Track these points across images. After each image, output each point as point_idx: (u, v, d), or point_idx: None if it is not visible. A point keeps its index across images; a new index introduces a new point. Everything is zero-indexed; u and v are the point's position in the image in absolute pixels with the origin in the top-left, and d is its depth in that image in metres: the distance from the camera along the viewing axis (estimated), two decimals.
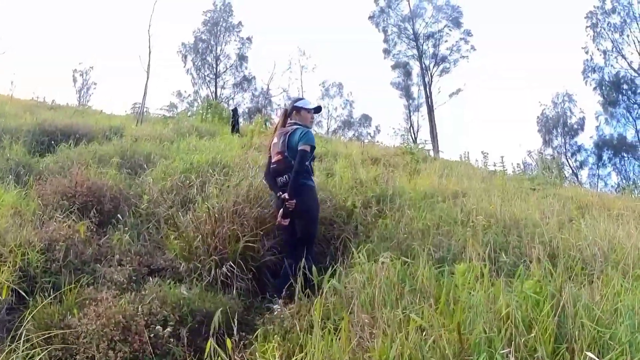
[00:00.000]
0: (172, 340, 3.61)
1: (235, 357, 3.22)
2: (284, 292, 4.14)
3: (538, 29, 70.10)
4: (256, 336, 3.55)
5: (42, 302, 3.76)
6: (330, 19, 76.00)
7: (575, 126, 42.94)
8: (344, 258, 4.46)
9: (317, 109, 5.31)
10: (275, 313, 3.86)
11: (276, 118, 5.25)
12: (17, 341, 3.16)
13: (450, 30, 42.82)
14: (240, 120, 17.18)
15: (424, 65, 43.53)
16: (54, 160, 8.00)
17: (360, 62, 76.33)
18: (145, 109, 16.66)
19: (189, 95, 48.25)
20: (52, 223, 5.07)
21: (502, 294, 2.94)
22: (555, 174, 16.65)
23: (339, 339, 2.84)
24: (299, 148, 4.74)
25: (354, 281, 3.69)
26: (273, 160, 4.99)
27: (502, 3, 67.33)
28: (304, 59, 50.56)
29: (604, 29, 38.60)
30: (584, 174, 40.65)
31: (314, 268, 3.88)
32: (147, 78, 15.76)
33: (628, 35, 37.67)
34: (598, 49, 39.07)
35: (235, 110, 15.81)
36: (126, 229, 5.48)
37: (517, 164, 16.42)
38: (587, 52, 39.56)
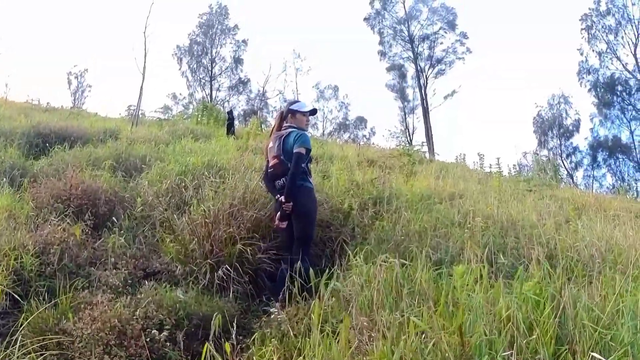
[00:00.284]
0: (168, 344, 3.58)
1: None
2: (281, 295, 4.11)
3: (534, 30, 70.40)
4: (253, 340, 3.51)
5: (36, 306, 3.72)
6: (326, 20, 76.22)
7: (571, 128, 43.08)
8: (341, 260, 4.42)
9: (312, 112, 5.28)
10: (272, 316, 3.83)
11: (273, 121, 5.22)
12: (12, 346, 3.12)
13: (445, 32, 42.92)
14: (236, 122, 17.13)
15: (419, 68, 43.60)
16: (49, 163, 7.96)
17: (356, 64, 76.49)
18: (140, 112, 16.60)
19: (184, 97, 48.26)
20: (47, 226, 5.04)
21: (502, 295, 2.92)
22: (551, 176, 16.70)
23: (338, 342, 2.81)
24: (294, 151, 4.72)
25: (351, 284, 3.67)
26: (270, 164, 4.98)
27: (498, 4, 67.53)
28: (299, 61, 50.60)
29: (599, 31, 38.78)
30: (579, 175, 40.82)
31: (310, 270, 3.86)
32: (143, 80, 15.73)
33: (622, 37, 37.89)
34: (593, 51, 39.27)
35: (230, 113, 15.76)
36: (121, 232, 5.44)
37: (513, 165, 16.45)
38: (582, 54, 39.75)
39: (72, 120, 13.44)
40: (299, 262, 4.15)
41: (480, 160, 13.07)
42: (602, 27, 38.62)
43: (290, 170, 4.65)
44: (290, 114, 5.10)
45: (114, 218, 5.77)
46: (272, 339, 3.38)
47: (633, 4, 37.23)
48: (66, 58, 71.13)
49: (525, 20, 70.14)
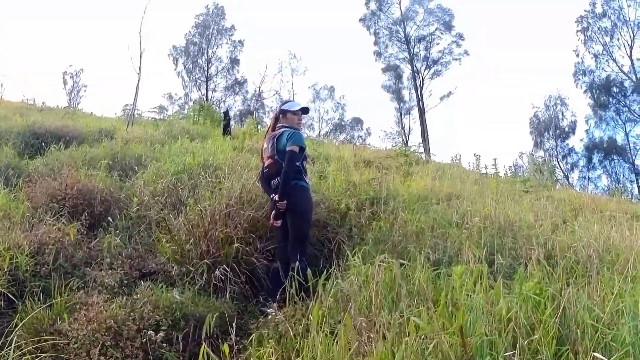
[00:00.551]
0: (164, 345, 3.56)
1: None
2: (278, 296, 4.09)
3: (531, 31, 70.53)
4: (251, 341, 3.49)
5: (31, 307, 3.69)
6: (322, 21, 76.23)
7: (567, 129, 43.18)
8: (338, 261, 4.41)
9: (304, 110, 5.25)
10: (269, 317, 3.80)
11: (269, 122, 5.22)
12: (7, 347, 3.09)
13: (441, 33, 42.95)
14: (232, 122, 17.10)
15: (415, 68, 43.61)
16: (44, 163, 7.92)
17: (352, 65, 76.52)
18: (136, 111, 16.55)
19: (180, 97, 48.19)
20: (42, 226, 5.00)
21: (502, 296, 2.90)
22: (547, 177, 16.72)
23: (337, 343, 2.79)
24: (287, 149, 4.72)
25: (350, 284, 3.65)
26: (265, 165, 4.98)
27: (494, 5, 67.66)
28: (295, 62, 50.60)
29: (595, 33, 38.89)
30: (574, 176, 40.92)
31: (308, 271, 3.84)
32: (139, 80, 15.67)
33: (618, 39, 38.00)
34: (589, 52, 39.39)
35: (226, 113, 15.73)
36: (117, 232, 5.41)
37: (509, 166, 16.47)
38: (578, 55, 39.87)
39: (67, 120, 13.40)
40: (297, 262, 4.13)
41: (477, 161, 13.07)
42: (598, 28, 38.76)
43: (283, 169, 4.66)
44: (282, 114, 5.10)
45: (109, 218, 5.73)
46: (270, 340, 3.36)
47: (629, 6, 37.38)
48: (62, 58, 70.91)
49: (522, 21, 70.36)
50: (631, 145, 38.17)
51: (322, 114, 51.85)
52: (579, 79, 39.85)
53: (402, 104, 46.63)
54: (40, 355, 3.20)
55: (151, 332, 3.56)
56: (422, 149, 25.63)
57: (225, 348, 2.90)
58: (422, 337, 2.66)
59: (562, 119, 43.66)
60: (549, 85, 78.00)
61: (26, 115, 12.96)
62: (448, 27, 42.76)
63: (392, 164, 10.26)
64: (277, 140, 4.89)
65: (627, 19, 37.63)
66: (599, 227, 5.75)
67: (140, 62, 15.51)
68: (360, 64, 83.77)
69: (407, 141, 41.76)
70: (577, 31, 39.78)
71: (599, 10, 38.94)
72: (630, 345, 2.58)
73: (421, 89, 43.26)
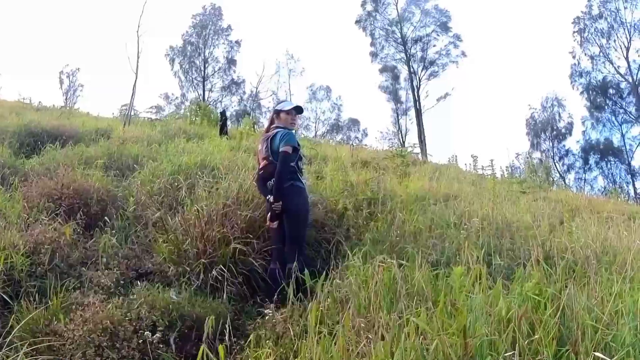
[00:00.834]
0: (161, 346, 3.53)
1: None
2: (275, 296, 4.07)
3: (528, 32, 70.63)
4: (248, 342, 3.47)
5: (27, 307, 3.66)
6: (319, 21, 76.25)
7: (564, 130, 43.26)
8: (336, 261, 4.40)
9: (298, 110, 5.20)
10: (267, 318, 3.79)
11: (266, 122, 5.22)
12: (4, 348, 3.07)
13: (438, 34, 42.96)
14: (228, 123, 17.07)
15: (412, 69, 43.62)
16: (40, 162, 7.90)
17: (349, 65, 76.36)
18: (133, 111, 16.51)
19: (177, 97, 48.13)
20: (38, 225, 4.97)
21: (502, 296, 2.89)
22: (544, 178, 16.75)
23: (335, 343, 2.77)
24: (280, 150, 4.71)
25: (348, 284, 3.63)
26: (260, 167, 4.98)
27: (491, 6, 67.76)
28: (292, 62, 50.61)
29: (591, 34, 38.99)
30: (570, 177, 41.01)
31: (306, 271, 3.82)
32: (135, 79, 15.62)
33: (615, 41, 38.09)
34: (585, 54, 39.49)
35: (223, 113, 15.70)
36: (113, 231, 5.39)
37: (506, 166, 16.48)
38: (574, 57, 39.96)
39: (63, 119, 13.34)
40: (294, 262, 4.12)
41: (474, 162, 13.08)
42: (595, 30, 38.86)
43: (277, 169, 4.64)
44: (275, 115, 5.11)
45: (106, 218, 5.70)
46: (267, 341, 3.34)
47: (625, 8, 37.47)
48: (58, 57, 70.55)
49: (519, 22, 70.47)
50: (627, 146, 38.31)
51: (319, 115, 51.87)
52: (576, 81, 39.98)
53: (398, 105, 46.69)
54: (36, 356, 3.17)
55: (148, 332, 3.53)
56: (418, 150, 25.61)
57: (221, 350, 2.87)
58: (422, 337, 2.64)
59: (559, 120, 43.75)
60: (546, 86, 77.93)
61: (22, 115, 12.89)
62: (445, 28, 42.78)
63: (389, 164, 10.23)
64: (271, 141, 4.88)
65: (624, 20, 37.74)
66: (597, 228, 5.76)
67: (138, 61, 15.47)
68: (357, 64, 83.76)
69: (403, 142, 41.83)
70: (574, 32, 39.91)
71: (595, 11, 39.06)
72: (631, 346, 2.57)
73: (418, 89, 43.29)
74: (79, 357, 3.26)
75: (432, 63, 43.06)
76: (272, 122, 5.11)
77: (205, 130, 14.24)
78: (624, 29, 37.71)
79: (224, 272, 4.55)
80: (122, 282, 4.45)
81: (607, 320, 2.79)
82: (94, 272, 4.49)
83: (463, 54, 42.45)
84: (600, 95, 38.84)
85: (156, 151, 9.11)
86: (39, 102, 19.29)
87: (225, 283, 4.53)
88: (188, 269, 4.65)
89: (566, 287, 3.19)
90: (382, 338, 2.68)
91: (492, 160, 11.24)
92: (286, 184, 4.66)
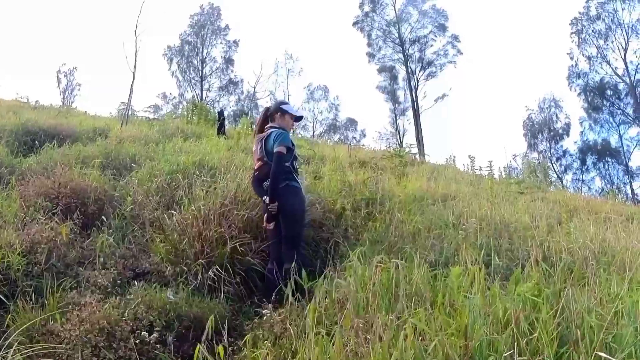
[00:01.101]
0: (158, 346, 3.52)
1: None
2: (273, 297, 4.05)
3: (526, 33, 70.73)
4: (245, 342, 3.45)
5: (23, 307, 3.64)
6: (317, 22, 76.25)
7: (561, 131, 43.32)
8: (334, 261, 4.38)
9: (299, 118, 5.31)
10: (264, 318, 3.77)
11: (259, 120, 5.17)
12: (0, 349, 3.05)
13: (435, 35, 42.99)
14: (226, 122, 17.04)
15: (410, 70, 43.64)
16: (37, 161, 7.87)
17: (347, 66, 76.51)
18: (130, 110, 16.48)
19: (174, 97, 48.09)
20: (34, 225, 4.94)
21: (501, 297, 2.89)
22: (541, 178, 16.76)
23: (333, 344, 2.76)
24: (275, 150, 4.70)
25: (346, 285, 3.61)
26: (255, 167, 4.98)
27: (489, 7, 67.80)
28: (290, 62, 50.61)
29: (589, 35, 39.05)
30: (568, 178, 41.09)
31: (304, 271, 3.81)
32: (133, 79, 15.57)
33: (612, 42, 38.15)
34: (583, 55, 39.56)
35: (221, 113, 15.68)
36: (110, 231, 5.37)
37: (504, 167, 16.48)
38: (572, 58, 40.02)
39: (61, 118, 13.32)
40: (292, 263, 4.10)
41: (472, 162, 13.07)
42: (592, 31, 38.93)
43: (272, 169, 4.64)
44: (280, 113, 5.08)
45: (103, 217, 5.69)
46: (265, 341, 3.32)
47: (623, 9, 37.53)
48: (55, 56, 70.59)
49: (517, 23, 70.56)
50: (625, 147, 38.40)
51: (317, 115, 51.86)
52: (573, 82, 40.05)
53: (396, 105, 46.72)
54: (32, 357, 3.14)
55: (145, 332, 3.52)
56: (416, 150, 25.64)
57: (221, 350, 2.86)
58: (421, 338, 2.63)
59: (556, 121, 43.82)
60: (543, 87, 78.12)
61: (19, 113, 12.86)
62: (442, 28, 42.85)
63: (387, 164, 10.22)
64: (265, 142, 4.88)
65: (622, 21, 37.80)
66: (595, 228, 5.75)
67: (135, 61, 15.43)
68: (355, 64, 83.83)
69: (401, 142, 41.79)
70: (571, 33, 39.97)
71: (593, 12, 39.13)
72: (633, 347, 2.57)
73: (416, 90, 43.33)
74: (76, 357, 3.23)
75: (429, 64, 43.13)
76: (266, 120, 5.09)
77: (202, 129, 14.22)
78: (622, 30, 37.80)
79: (222, 272, 4.53)
80: (119, 281, 4.42)
81: (607, 321, 2.78)
82: (91, 271, 4.47)
83: (459, 52, 42.56)
84: (598, 97, 38.91)
85: (153, 151, 9.09)
86: (37, 101, 19.28)
87: (223, 283, 4.51)
88: (185, 268, 4.63)
89: (565, 287, 3.18)
90: (380, 339, 2.66)
91: (490, 161, 11.24)
92: (281, 184, 4.66)
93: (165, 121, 15.91)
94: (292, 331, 3.30)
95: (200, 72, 47.83)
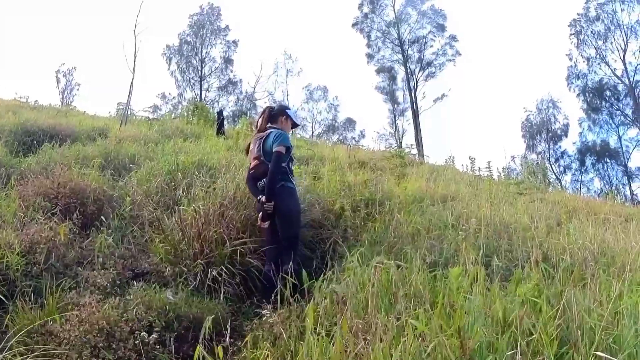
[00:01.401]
0: (158, 346, 3.51)
1: None
2: (272, 297, 4.05)
3: (526, 33, 70.78)
4: (245, 342, 3.44)
5: (22, 307, 3.64)
6: (316, 22, 76.26)
7: (559, 132, 43.36)
8: (333, 262, 4.38)
9: (297, 125, 5.44)
10: (264, 318, 3.77)
11: (260, 119, 5.19)
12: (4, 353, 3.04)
13: (435, 36, 43.02)
14: (225, 123, 17.04)
15: (409, 70, 43.66)
16: (36, 161, 7.86)
17: (346, 66, 76.57)
18: (129, 110, 16.46)
19: (173, 97, 48.06)
20: (34, 225, 4.94)
21: (501, 298, 2.89)
22: (540, 179, 16.75)
23: (333, 344, 2.76)
24: (274, 150, 4.72)
25: (346, 285, 3.61)
26: (251, 166, 4.98)
27: (488, 8, 67.84)
28: (290, 63, 50.61)
29: (588, 36, 39.08)
30: (567, 179, 41.11)
31: (303, 272, 3.81)
32: (132, 79, 15.56)
33: (612, 43, 38.17)
34: (582, 56, 39.58)
35: (220, 113, 15.68)
36: (110, 231, 5.36)
37: (503, 168, 16.47)
38: (571, 59, 40.04)
39: (60, 118, 13.31)
40: (289, 263, 4.10)
41: (471, 163, 13.05)
42: (592, 32, 38.96)
43: (270, 169, 4.65)
44: (284, 117, 5.12)
45: (102, 217, 5.68)
46: (265, 342, 3.32)
47: (622, 10, 37.57)
48: (54, 56, 70.55)
49: (516, 24, 70.60)
50: (624, 148, 38.42)
51: (315, 115, 51.85)
52: (572, 83, 40.07)
53: (395, 106, 46.69)
54: (31, 357, 3.14)
55: (144, 333, 3.51)
56: (415, 151, 25.65)
57: (220, 351, 2.85)
58: (420, 339, 2.63)
59: (555, 122, 43.84)
60: (543, 88, 78.23)
61: (19, 113, 12.86)
62: (441, 28, 42.88)
63: (386, 165, 10.22)
64: (264, 141, 4.89)
65: (621, 23, 37.83)
66: (594, 229, 5.75)
67: (135, 60, 15.43)
68: (354, 65, 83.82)
69: (400, 143, 41.77)
70: (570, 34, 40.00)
71: (592, 13, 39.15)
72: (633, 347, 2.57)
73: (415, 90, 43.35)
74: (76, 357, 3.23)
75: (429, 64, 43.16)
76: (269, 118, 5.11)
77: (202, 130, 14.22)
78: (621, 31, 37.84)
79: (221, 272, 4.53)
80: (118, 282, 4.41)
81: (607, 322, 2.78)
82: (90, 272, 4.45)
83: (458, 52, 42.61)
84: (597, 98, 38.94)
85: (153, 150, 9.09)
86: (36, 100, 19.29)
87: (222, 283, 4.51)
88: (185, 269, 4.63)
89: (565, 288, 3.18)
90: (380, 339, 2.66)
91: (489, 162, 11.25)
92: (278, 184, 4.67)
93: (164, 121, 15.90)
94: (291, 332, 3.30)
95: (200, 72, 47.80)
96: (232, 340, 3.55)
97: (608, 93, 38.78)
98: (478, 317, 2.77)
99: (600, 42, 38.70)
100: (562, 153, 42.57)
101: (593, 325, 2.74)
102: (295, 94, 66.51)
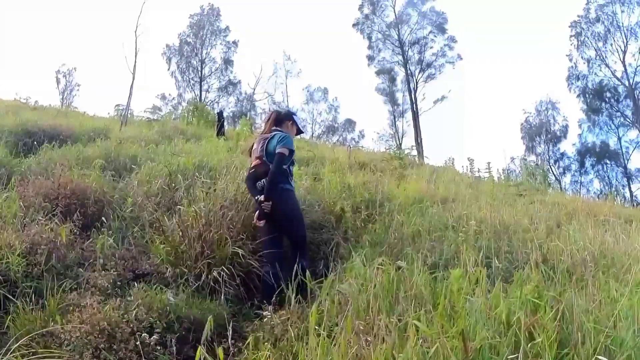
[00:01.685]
0: (159, 348, 3.50)
1: None
2: (273, 298, 4.06)
3: (526, 34, 70.82)
4: (246, 344, 3.44)
5: (23, 308, 3.64)
6: (316, 23, 76.28)
7: (559, 133, 43.39)
8: (335, 263, 4.39)
9: (302, 132, 5.55)
10: (265, 320, 3.77)
11: (262, 123, 5.25)
12: (0, 350, 3.04)
13: (435, 36, 43.03)
14: (225, 123, 17.05)
15: (409, 72, 43.67)
16: (37, 162, 7.85)
17: (346, 67, 76.56)
18: (129, 111, 16.46)
19: (173, 98, 48.07)
20: (34, 226, 4.93)
21: (502, 299, 2.89)
22: (540, 180, 16.75)
23: (335, 346, 2.76)
24: (277, 151, 4.77)
25: (347, 286, 3.62)
26: (252, 165, 5.03)
27: (487, 8, 67.84)
28: (289, 64, 50.64)
29: (588, 38, 39.12)
30: (566, 180, 41.12)
31: (307, 273, 3.83)
32: (133, 79, 15.58)
33: (612, 44, 38.22)
34: (582, 57, 39.62)
35: (220, 114, 15.69)
36: (110, 232, 5.35)
37: (503, 169, 16.47)
38: (571, 60, 40.09)
39: (60, 118, 13.32)
40: (303, 262, 4.17)
41: (471, 164, 13.08)
42: (592, 34, 39.00)
43: (271, 169, 4.69)
44: (291, 122, 5.23)
45: (103, 218, 5.67)
46: (266, 343, 3.32)
47: (622, 12, 37.61)
48: (55, 56, 70.54)
49: (516, 24, 70.61)
50: (624, 149, 38.44)
51: (315, 116, 51.88)
52: (572, 84, 40.11)
53: (395, 107, 46.71)
54: (31, 357, 3.14)
55: (145, 334, 3.50)
56: (415, 152, 25.67)
57: (220, 353, 2.85)
58: (422, 340, 2.63)
59: (554, 124, 43.88)
60: (543, 89, 78.13)
61: (19, 114, 12.87)
62: (441, 29, 42.88)
63: (386, 166, 10.24)
64: (268, 142, 4.92)
65: (621, 24, 37.88)
66: (594, 231, 5.75)
67: (135, 61, 15.43)
68: (354, 66, 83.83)
69: (400, 144, 41.80)
70: (571, 35, 40.04)
71: (592, 15, 39.19)
72: (632, 349, 2.57)
73: (415, 92, 43.35)
74: (77, 359, 3.23)
75: (429, 65, 43.15)
76: (276, 121, 5.16)
77: (202, 131, 14.23)
78: (621, 32, 37.90)
79: (222, 273, 4.53)
80: (119, 283, 4.40)
81: (607, 324, 2.78)
82: (91, 273, 4.45)
83: (459, 56, 42.61)
84: (597, 99, 38.98)
85: (153, 152, 9.09)
86: (36, 101, 19.29)
87: (223, 285, 4.51)
88: (185, 270, 4.63)
89: (565, 290, 3.19)
90: (382, 341, 2.67)
91: (489, 163, 11.27)
92: (278, 186, 4.72)
93: (164, 121, 15.90)
94: (293, 333, 3.31)
95: (200, 72, 47.82)
96: (232, 341, 3.55)
97: (608, 94, 38.83)
98: (479, 318, 2.78)
99: (600, 44, 38.77)
100: (562, 154, 42.63)
101: (591, 328, 2.74)
102: (295, 95, 66.64)
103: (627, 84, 37.81)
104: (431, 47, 43.24)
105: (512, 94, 73.30)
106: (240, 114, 43.93)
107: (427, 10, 43.34)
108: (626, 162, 38.20)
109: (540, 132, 43.91)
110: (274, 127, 5.08)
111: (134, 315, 3.68)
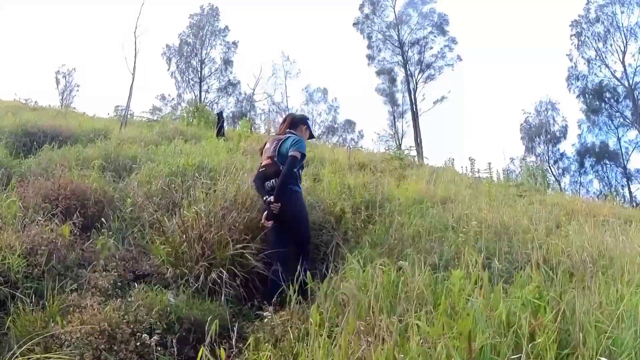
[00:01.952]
0: (159, 349, 3.49)
1: None
2: (274, 299, 4.06)
3: (526, 35, 70.83)
4: (247, 344, 3.44)
5: (23, 309, 3.64)
6: (316, 23, 76.28)
7: (558, 134, 43.39)
8: (335, 264, 4.39)
9: (313, 137, 5.73)
10: (265, 320, 3.77)
11: (262, 124, 5.33)
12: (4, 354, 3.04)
13: (435, 37, 43.00)
14: (225, 124, 17.04)
15: (409, 72, 43.65)
16: (37, 162, 7.84)
17: (345, 68, 76.55)
18: (129, 112, 16.45)
19: (173, 98, 48.04)
20: (34, 226, 4.91)
21: (503, 300, 2.89)
22: (540, 181, 16.76)
23: (335, 346, 2.77)
24: (290, 154, 4.82)
25: (348, 287, 3.62)
26: (262, 164, 5.06)
27: (487, 9, 67.85)
28: (288, 64, 50.63)
29: (588, 38, 39.14)
30: (566, 181, 41.12)
31: (309, 274, 3.84)
32: (133, 80, 15.55)
33: (611, 45, 38.23)
34: (582, 57, 39.63)
35: (220, 114, 15.68)
36: (110, 233, 5.35)
37: (503, 170, 16.49)
38: (571, 60, 40.10)
39: (60, 119, 13.32)
40: (305, 263, 4.19)
41: (471, 165, 13.06)
42: (592, 34, 39.01)
43: (283, 171, 4.74)
44: (305, 126, 5.35)
45: (103, 219, 5.67)
46: (266, 344, 3.32)
47: (622, 12, 37.64)
48: (54, 56, 70.53)
49: (516, 25, 70.64)
50: (623, 150, 38.45)
51: (315, 117, 51.83)
52: (572, 84, 40.13)
53: (395, 108, 46.67)
54: (32, 358, 3.14)
55: (145, 335, 3.50)
56: (415, 153, 25.68)
57: (222, 354, 2.86)
58: (423, 341, 2.64)
59: (553, 124, 43.90)
60: (543, 89, 78.13)
61: (19, 114, 12.85)
62: (442, 30, 42.85)
63: (386, 167, 10.24)
64: (282, 143, 4.99)
65: (620, 24, 37.91)
66: (593, 231, 5.76)
67: (135, 62, 15.42)
68: (353, 66, 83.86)
69: (400, 144, 41.77)
70: (571, 35, 40.05)
71: (592, 15, 39.21)
72: (633, 350, 2.58)
73: (415, 92, 43.33)
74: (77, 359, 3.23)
75: (428, 66, 43.11)
76: (290, 125, 5.25)
77: (202, 131, 14.22)
78: (621, 33, 37.91)
79: (223, 274, 4.53)
80: (119, 284, 4.40)
81: (607, 324, 2.79)
82: (91, 273, 4.45)
83: (459, 57, 42.58)
84: (597, 99, 38.99)
85: (153, 152, 9.09)
86: (35, 102, 19.29)
87: (224, 285, 4.51)
88: (186, 271, 4.63)
89: (565, 290, 3.19)
90: (383, 341, 2.67)
91: (489, 164, 11.26)
92: (288, 187, 4.77)
93: (164, 122, 15.90)
94: (293, 334, 3.31)
95: (200, 73, 47.80)
96: (233, 342, 3.55)
97: (607, 95, 38.84)
98: (480, 319, 2.78)
99: (600, 44, 38.78)
100: (561, 155, 42.64)
101: (590, 328, 2.74)
102: (295, 96, 66.60)
103: (626, 85, 37.83)
104: (431, 48, 43.25)
105: (512, 95, 73.37)
106: (240, 114, 43.93)
107: (427, 10, 43.32)
108: (625, 162, 38.23)
109: (539, 132, 43.92)
110: (289, 130, 5.16)
111: (134, 316, 3.68)
